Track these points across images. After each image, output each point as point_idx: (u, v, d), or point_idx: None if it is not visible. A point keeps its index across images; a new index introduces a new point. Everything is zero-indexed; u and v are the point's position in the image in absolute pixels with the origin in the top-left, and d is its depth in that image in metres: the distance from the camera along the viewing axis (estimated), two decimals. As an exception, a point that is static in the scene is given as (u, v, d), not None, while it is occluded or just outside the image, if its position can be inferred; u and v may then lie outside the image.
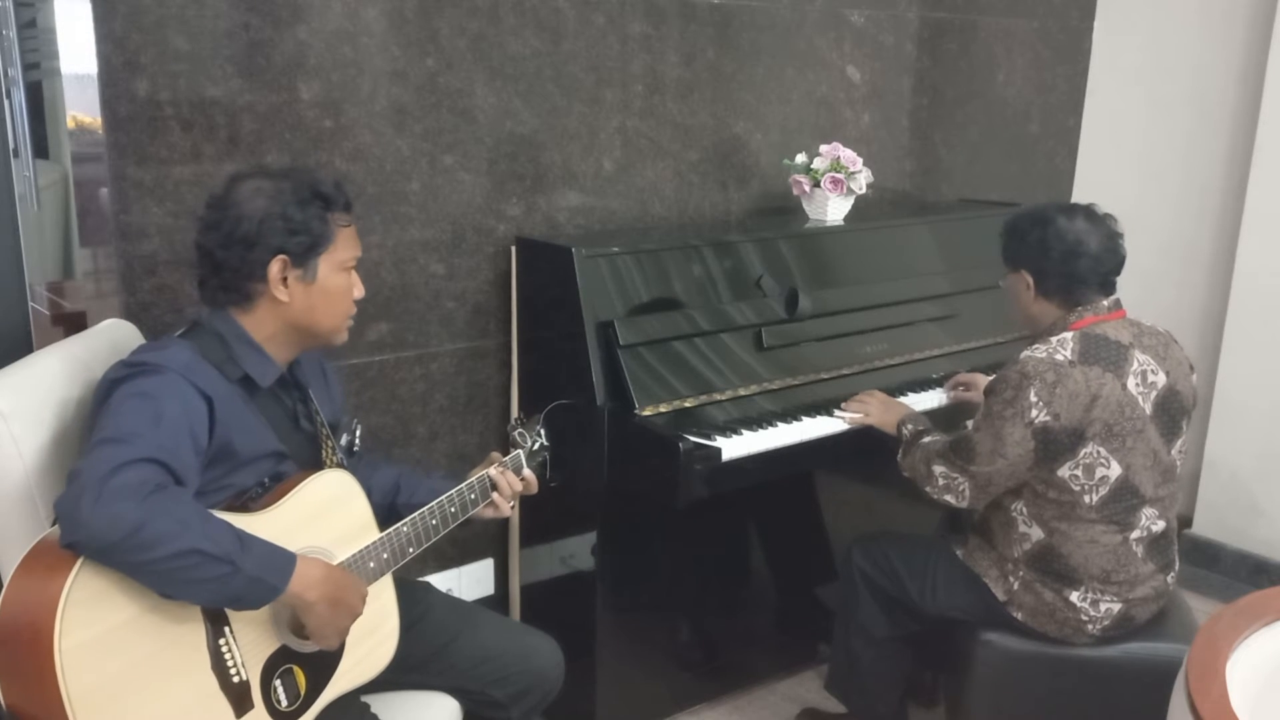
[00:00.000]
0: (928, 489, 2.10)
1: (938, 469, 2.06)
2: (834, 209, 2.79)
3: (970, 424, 2.05)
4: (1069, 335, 1.97)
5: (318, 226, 1.61)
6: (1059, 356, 1.93)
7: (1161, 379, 1.98)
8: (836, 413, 2.38)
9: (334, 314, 1.66)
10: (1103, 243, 2.02)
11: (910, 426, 2.23)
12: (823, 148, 2.80)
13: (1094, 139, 3.78)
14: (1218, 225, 3.45)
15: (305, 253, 1.60)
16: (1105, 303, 2.03)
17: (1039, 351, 1.95)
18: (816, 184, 2.78)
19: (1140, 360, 1.96)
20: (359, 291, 1.69)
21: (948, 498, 2.07)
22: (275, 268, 1.58)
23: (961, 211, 3.15)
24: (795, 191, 2.84)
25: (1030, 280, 2.05)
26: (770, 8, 2.88)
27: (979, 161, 3.54)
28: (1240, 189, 3.31)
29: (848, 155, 2.78)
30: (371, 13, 2.25)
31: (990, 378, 2.46)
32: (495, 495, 1.83)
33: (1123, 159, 3.69)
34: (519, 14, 2.45)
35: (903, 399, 2.49)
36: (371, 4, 2.24)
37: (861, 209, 2.89)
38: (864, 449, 2.41)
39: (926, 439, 2.15)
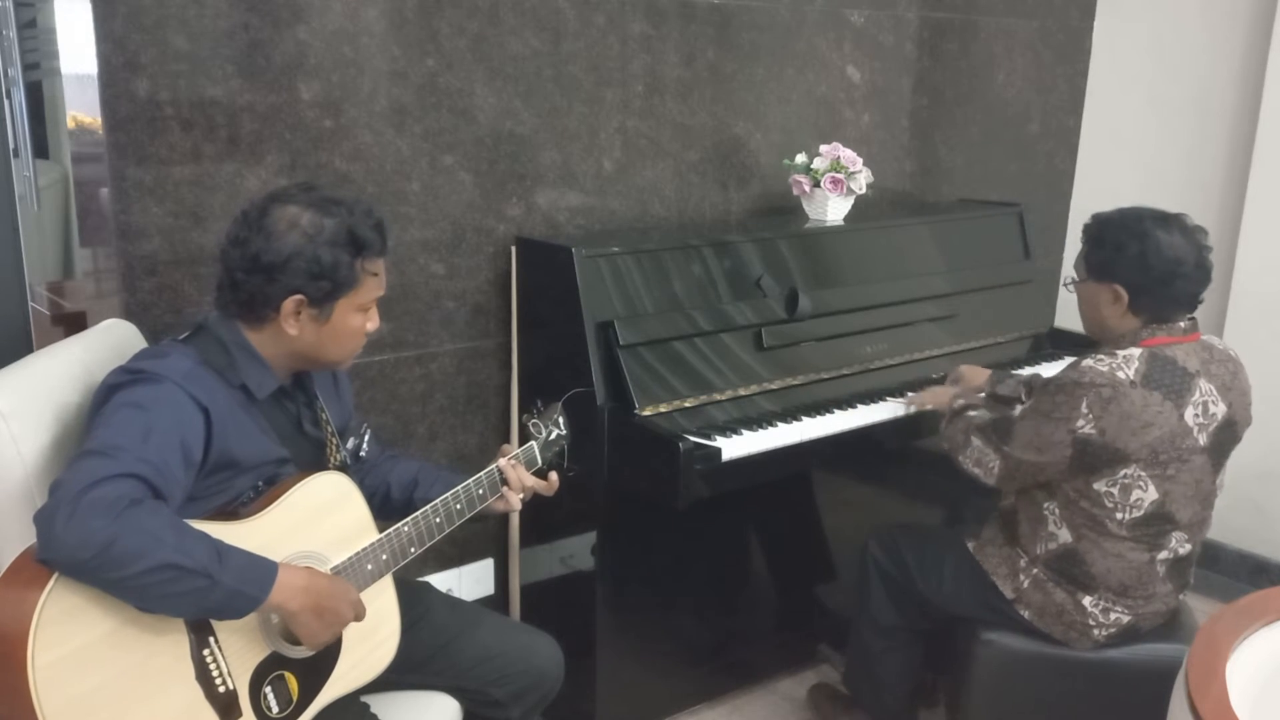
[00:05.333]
0: (960, 458, 2.12)
1: (976, 441, 2.08)
2: (834, 209, 2.79)
3: (1019, 409, 2.06)
4: (1136, 352, 1.91)
5: (344, 273, 1.57)
6: (1120, 374, 1.87)
7: (1221, 410, 1.93)
8: (896, 399, 2.49)
9: (341, 349, 1.65)
10: (1196, 259, 1.94)
11: (961, 401, 2.27)
12: (823, 148, 2.80)
13: (1094, 139, 3.78)
14: (1218, 226, 3.44)
15: (324, 297, 1.57)
16: (1182, 324, 1.96)
17: (1102, 364, 1.89)
18: (816, 184, 2.78)
19: (1203, 390, 1.91)
20: (373, 325, 1.66)
21: (977, 470, 2.08)
22: (289, 305, 1.56)
23: (961, 211, 3.15)
24: (795, 191, 2.84)
25: (1122, 294, 1.95)
26: (770, 8, 2.88)
27: (979, 161, 3.54)
28: (1240, 189, 3.31)
29: (848, 155, 2.78)
30: (371, 13, 2.25)
31: (987, 370, 2.49)
32: (505, 489, 1.82)
33: (1123, 159, 3.69)
34: (519, 14, 2.45)
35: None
36: (371, 4, 2.24)
37: (861, 209, 2.89)
38: (864, 449, 2.42)
39: (972, 413, 2.18)
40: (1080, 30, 3.68)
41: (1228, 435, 1.98)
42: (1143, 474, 1.90)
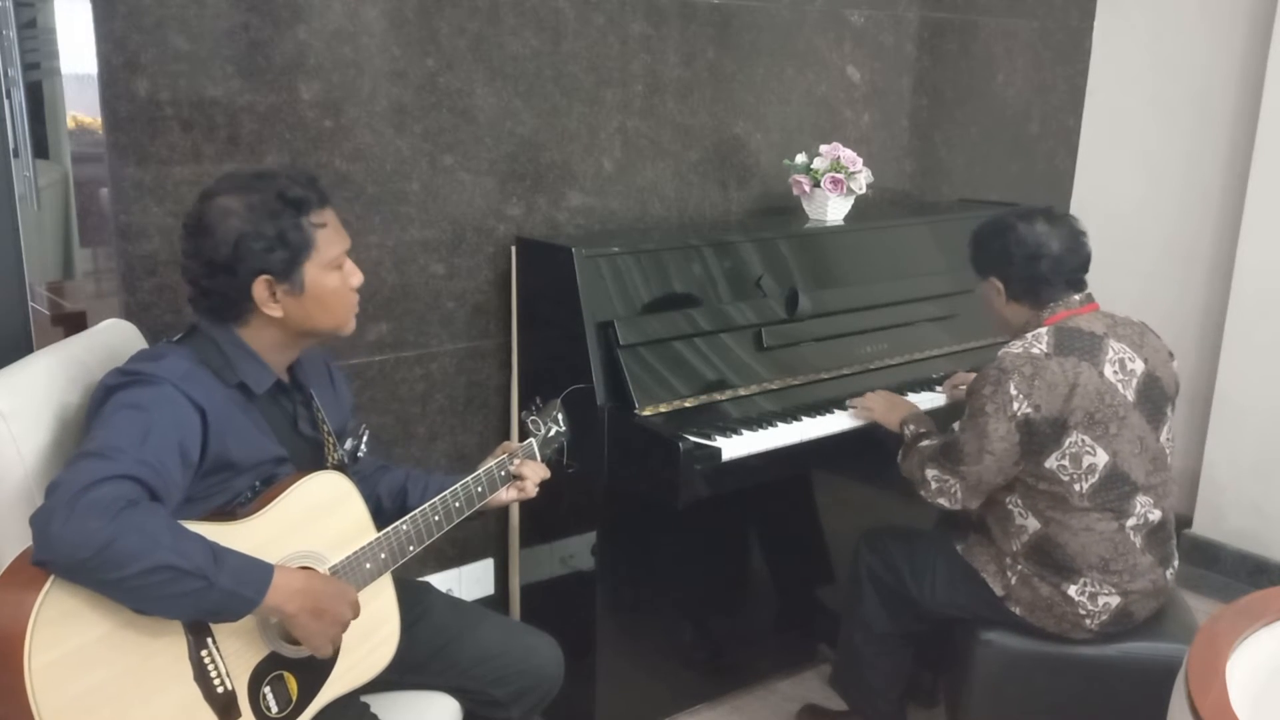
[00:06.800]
0: (922, 493, 2.12)
1: (930, 473, 2.09)
2: (834, 209, 2.80)
3: (956, 425, 2.07)
4: (1043, 330, 2.02)
5: (294, 236, 1.55)
6: (1035, 350, 1.98)
7: (1140, 366, 2.01)
8: (839, 411, 2.40)
9: (333, 312, 1.63)
10: (1065, 243, 2.07)
11: (911, 428, 2.24)
12: (823, 148, 2.80)
13: (1094, 139, 3.78)
14: (1218, 225, 3.44)
15: (287, 267, 1.56)
16: (1076, 298, 2.08)
17: (1015, 347, 2.00)
18: (816, 184, 2.78)
19: (1116, 349, 2.00)
20: (356, 279, 1.65)
21: (941, 500, 2.09)
22: (260, 288, 1.55)
23: (961, 211, 3.14)
24: (795, 191, 2.84)
25: (999, 286, 2.10)
26: (770, 8, 2.88)
27: (979, 161, 3.54)
28: (1240, 189, 3.31)
29: (848, 155, 2.78)
30: (371, 13, 2.25)
31: None
32: (519, 483, 1.84)
33: (1123, 159, 3.69)
34: (519, 14, 2.45)
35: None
36: (371, 4, 2.24)
37: (861, 209, 2.89)
38: (864, 449, 2.41)
39: (924, 443, 2.17)
40: (1080, 30, 3.69)
41: (1155, 391, 2.03)
42: (1086, 438, 1.95)
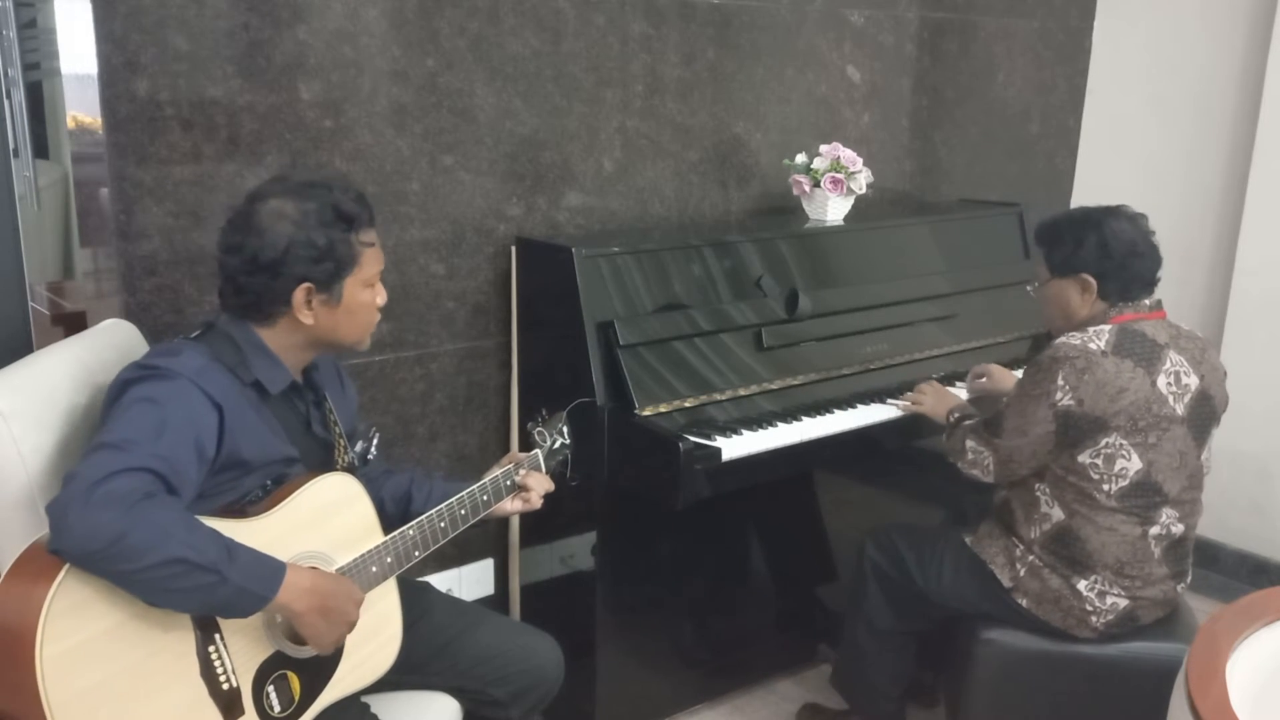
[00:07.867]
0: (960, 464, 2.17)
1: (969, 443, 2.13)
2: (834, 209, 2.80)
3: (1005, 399, 2.12)
4: (1106, 327, 2.01)
5: (343, 250, 1.58)
6: (1092, 345, 1.97)
7: (1194, 382, 2.00)
8: (891, 401, 2.47)
9: (359, 327, 1.66)
10: (1146, 241, 2.07)
11: (956, 414, 2.29)
12: (823, 148, 2.80)
13: (1094, 139, 3.78)
14: (1218, 225, 3.44)
15: (330, 279, 1.58)
16: (1147, 302, 2.07)
17: (1074, 338, 1.99)
18: (816, 184, 2.78)
19: (1174, 360, 1.99)
20: (382, 299, 1.68)
21: (974, 472, 2.13)
22: (300, 295, 1.57)
23: (961, 211, 3.15)
24: (795, 191, 2.84)
25: (1092, 283, 2.05)
26: (770, 8, 2.88)
27: (979, 161, 3.54)
28: (1240, 189, 3.31)
29: (848, 155, 2.78)
30: (371, 13, 2.25)
31: (1007, 369, 2.51)
32: (524, 494, 1.85)
33: (1123, 159, 3.69)
34: (519, 14, 2.45)
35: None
36: (371, 4, 2.24)
37: (861, 209, 2.89)
38: (864, 449, 2.42)
39: (968, 422, 2.21)
40: (1080, 30, 3.69)
41: (1205, 410, 2.03)
42: (1124, 442, 1.95)
